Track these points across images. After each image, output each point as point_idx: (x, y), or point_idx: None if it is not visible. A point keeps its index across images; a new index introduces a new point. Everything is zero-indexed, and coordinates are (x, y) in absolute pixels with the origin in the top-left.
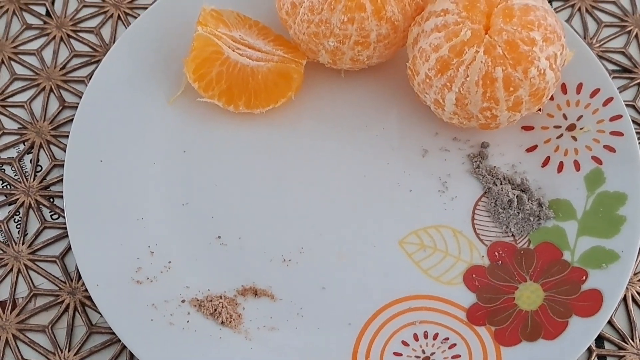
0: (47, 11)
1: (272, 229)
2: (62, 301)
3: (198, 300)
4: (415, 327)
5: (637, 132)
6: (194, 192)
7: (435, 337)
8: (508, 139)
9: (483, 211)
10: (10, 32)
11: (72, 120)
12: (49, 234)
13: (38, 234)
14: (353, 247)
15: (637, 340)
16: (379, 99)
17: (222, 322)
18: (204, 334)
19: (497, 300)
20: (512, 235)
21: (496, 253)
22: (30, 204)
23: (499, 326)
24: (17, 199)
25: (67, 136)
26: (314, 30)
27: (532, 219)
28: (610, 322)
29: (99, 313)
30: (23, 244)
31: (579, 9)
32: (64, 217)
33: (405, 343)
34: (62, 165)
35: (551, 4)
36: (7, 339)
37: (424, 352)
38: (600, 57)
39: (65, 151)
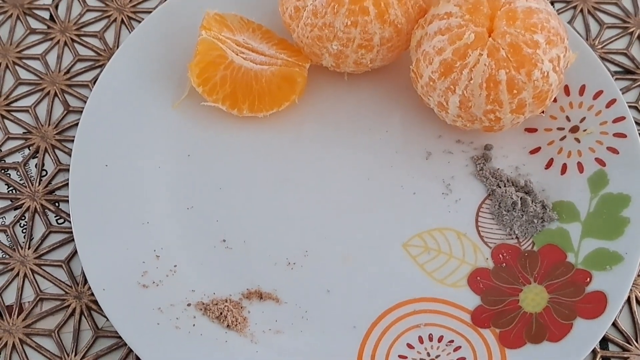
0: (51, 15)
1: (276, 233)
2: (68, 305)
3: (204, 304)
4: (420, 329)
5: None
6: (198, 195)
7: (440, 339)
8: (511, 141)
9: (487, 213)
10: (14, 36)
11: (76, 124)
12: (55, 238)
13: (44, 238)
14: (357, 250)
15: None
16: (382, 101)
17: (228, 326)
18: (210, 337)
19: (501, 302)
20: (516, 237)
21: (500, 255)
22: (35, 208)
23: (504, 328)
24: (23, 204)
25: (72, 140)
26: (318, 33)
27: (536, 221)
28: (614, 324)
29: (105, 317)
30: (29, 248)
31: (581, 11)
32: (69, 222)
33: (410, 346)
34: (67, 170)
35: (553, 6)
36: (14, 344)
37: (428, 354)
38: (603, 59)
39: (70, 155)
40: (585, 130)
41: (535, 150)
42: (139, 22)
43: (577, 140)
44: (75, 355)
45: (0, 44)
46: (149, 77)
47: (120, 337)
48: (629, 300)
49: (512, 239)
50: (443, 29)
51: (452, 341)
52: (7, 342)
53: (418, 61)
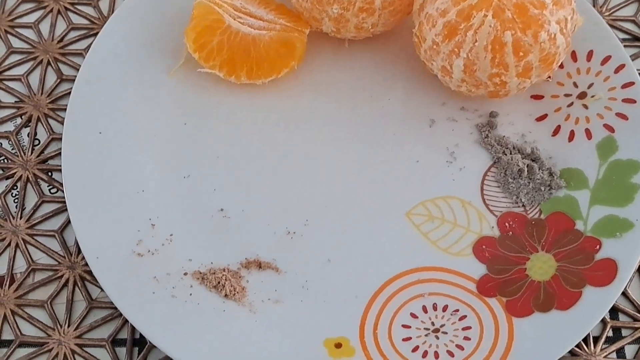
0: None
1: (275, 202)
2: (62, 276)
3: (201, 273)
4: (424, 299)
5: None
6: (195, 164)
7: (444, 309)
8: (517, 108)
9: (492, 181)
10: (6, 5)
11: (70, 93)
12: (48, 208)
13: (36, 208)
14: (359, 219)
15: None
16: (384, 68)
17: (226, 295)
18: (207, 306)
19: (508, 271)
20: (523, 205)
21: (506, 224)
22: (28, 177)
23: (511, 297)
24: (15, 173)
25: (65, 109)
26: None
27: (543, 188)
28: (625, 294)
29: (99, 287)
30: (21, 218)
31: None
32: (62, 191)
33: (414, 315)
34: (60, 139)
35: None
36: (5, 315)
37: (433, 324)
38: (610, 26)
39: (63, 124)
40: (593, 97)
41: (542, 118)
42: None
43: (585, 106)
44: (69, 326)
45: None
46: (143, 43)
47: (114, 308)
48: (639, 269)
49: (519, 207)
50: None
51: (457, 310)
52: None
53: (421, 24)
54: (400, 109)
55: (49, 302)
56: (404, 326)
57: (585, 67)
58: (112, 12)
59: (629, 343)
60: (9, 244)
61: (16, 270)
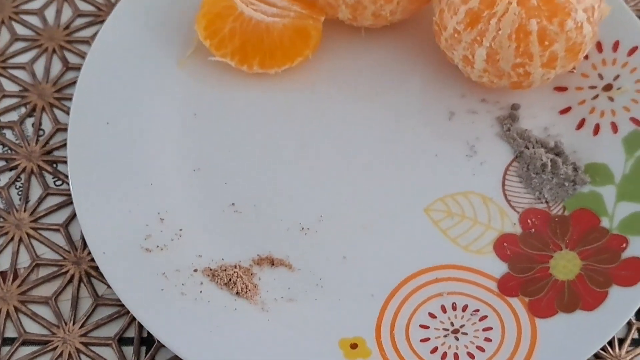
0: None
1: (289, 196)
2: (67, 271)
3: (211, 269)
4: (442, 298)
5: None
6: (205, 157)
7: (464, 308)
8: (540, 101)
9: (514, 176)
10: None
11: (76, 82)
12: (52, 201)
13: (40, 201)
14: (375, 214)
15: None
16: (402, 58)
17: (237, 293)
18: (218, 304)
19: (530, 270)
20: (546, 201)
21: (529, 220)
22: (32, 169)
23: (534, 297)
24: (19, 165)
25: (71, 99)
26: None
27: (567, 184)
28: None
29: (106, 284)
30: (25, 211)
31: None
32: (67, 184)
33: (432, 315)
34: (66, 129)
35: None
36: (8, 311)
37: (452, 324)
38: (638, 16)
39: (68, 114)
40: (619, 89)
41: (566, 110)
42: None
43: (611, 99)
44: (74, 324)
45: None
46: (152, 31)
47: (121, 306)
48: None
49: (542, 203)
50: None
51: (477, 310)
52: (0, 309)
53: (442, 12)
54: (418, 100)
55: (53, 299)
56: (422, 326)
57: (611, 58)
58: None
59: None
60: (12, 238)
61: (19, 265)
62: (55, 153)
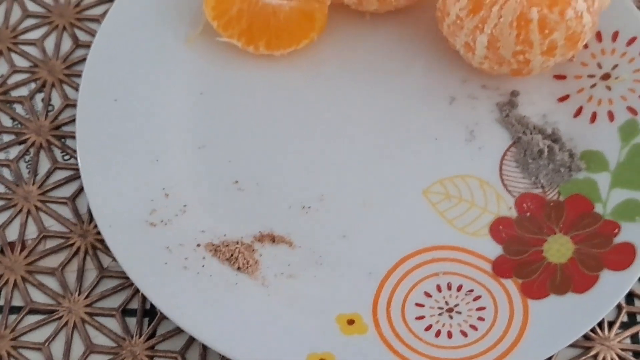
0: None
1: (291, 175)
2: (73, 244)
3: (214, 245)
4: (438, 278)
5: None
6: (211, 135)
7: (459, 288)
8: (539, 88)
9: (512, 161)
10: None
11: (85, 59)
12: (60, 175)
13: (49, 174)
14: (375, 195)
15: None
16: (405, 43)
17: (239, 268)
18: (220, 279)
19: (524, 252)
20: (542, 186)
21: (524, 205)
22: (41, 143)
23: (527, 279)
24: (28, 139)
25: (80, 76)
26: None
27: (562, 170)
28: None
29: (111, 256)
30: (33, 184)
31: None
32: (75, 158)
33: (427, 294)
34: (75, 106)
35: None
36: (15, 281)
37: (447, 303)
38: (638, 7)
39: (77, 91)
40: (617, 78)
41: (564, 98)
42: None
43: (609, 88)
44: (79, 294)
45: None
46: (161, 10)
47: (125, 278)
48: None
49: (538, 188)
50: None
51: (471, 290)
52: (8, 279)
53: None
54: (420, 85)
55: (59, 270)
56: (417, 305)
57: (610, 48)
58: None
59: None
60: (21, 210)
61: (27, 237)
62: (64, 128)
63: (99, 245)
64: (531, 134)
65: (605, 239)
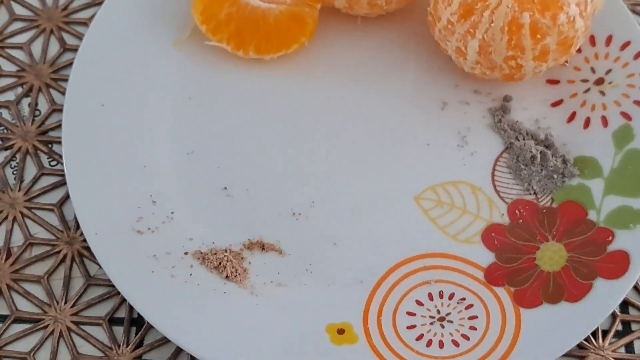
0: None
1: (281, 181)
2: (59, 251)
3: (202, 253)
4: (430, 286)
5: None
6: (199, 140)
7: (451, 297)
8: (532, 93)
9: (504, 167)
10: None
11: (72, 63)
12: (47, 181)
13: (35, 180)
14: (366, 201)
15: None
16: (396, 47)
17: (227, 277)
18: (208, 287)
19: (517, 260)
20: (535, 193)
21: (517, 211)
22: (27, 149)
23: (519, 287)
24: (14, 144)
25: (68, 80)
26: None
27: (555, 176)
28: (635, 287)
29: (97, 264)
30: (19, 190)
31: None
32: (62, 164)
33: (419, 302)
34: (62, 110)
35: None
36: (0, 289)
37: (439, 312)
38: (632, 11)
39: (65, 95)
40: (610, 83)
41: (557, 103)
42: None
43: (602, 93)
44: (66, 303)
45: None
46: (149, 14)
47: (112, 286)
48: None
49: (530, 194)
50: None
51: (463, 299)
52: None
53: (436, 3)
54: (411, 90)
55: (45, 278)
56: (408, 313)
57: (603, 52)
58: None
59: (638, 338)
60: (6, 217)
61: (13, 244)
62: (51, 133)
63: (85, 253)
64: (524, 139)
65: (599, 247)
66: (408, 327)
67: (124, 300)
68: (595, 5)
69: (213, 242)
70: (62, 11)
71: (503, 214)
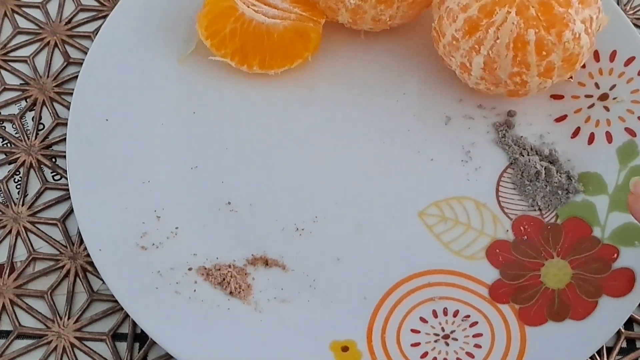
0: None
1: (285, 197)
2: (63, 266)
3: (206, 268)
4: (434, 303)
5: None
6: (203, 155)
7: (455, 314)
8: (536, 108)
9: (508, 183)
10: None
11: (77, 77)
12: (50, 195)
13: (39, 195)
14: (370, 217)
15: None
16: (400, 62)
17: (231, 292)
18: (212, 304)
19: (522, 277)
20: (539, 209)
21: (521, 227)
22: (31, 163)
23: (524, 305)
24: (18, 158)
25: (72, 93)
26: None
27: (560, 192)
28: None
29: (101, 279)
30: (23, 205)
31: None
32: (66, 178)
33: (423, 320)
34: (66, 124)
35: None
36: (4, 304)
37: (443, 329)
38: (635, 26)
39: (69, 109)
40: (615, 99)
41: (562, 118)
42: None
43: (607, 108)
44: (69, 318)
45: None
46: (154, 28)
47: (116, 301)
48: None
49: (535, 210)
50: None
51: (468, 316)
52: None
53: (441, 19)
54: (415, 104)
55: (49, 293)
56: (413, 331)
57: (608, 68)
58: None
59: None
60: (10, 232)
61: (16, 259)
62: (55, 147)
63: (89, 268)
64: (528, 155)
65: (604, 264)
66: (412, 345)
67: (127, 315)
68: (601, 21)
69: (217, 258)
70: (66, 24)
71: (507, 230)
